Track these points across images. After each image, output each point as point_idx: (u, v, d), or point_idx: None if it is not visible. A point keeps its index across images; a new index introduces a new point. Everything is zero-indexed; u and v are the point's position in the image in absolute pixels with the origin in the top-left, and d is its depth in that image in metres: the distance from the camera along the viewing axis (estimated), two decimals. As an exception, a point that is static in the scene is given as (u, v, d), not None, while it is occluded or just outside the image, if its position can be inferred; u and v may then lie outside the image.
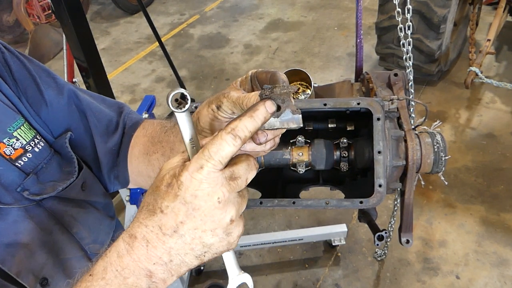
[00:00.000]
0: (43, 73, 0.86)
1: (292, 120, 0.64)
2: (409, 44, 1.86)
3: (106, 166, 0.94)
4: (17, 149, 0.77)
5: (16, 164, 0.77)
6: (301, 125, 0.63)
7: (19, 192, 0.77)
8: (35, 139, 0.81)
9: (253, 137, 0.65)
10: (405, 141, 1.50)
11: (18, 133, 0.78)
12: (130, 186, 0.99)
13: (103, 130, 0.92)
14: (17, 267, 0.75)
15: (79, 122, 0.90)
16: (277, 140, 0.71)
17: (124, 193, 2.31)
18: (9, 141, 0.76)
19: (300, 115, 0.64)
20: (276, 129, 0.65)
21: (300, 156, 1.52)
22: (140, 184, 0.97)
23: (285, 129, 0.67)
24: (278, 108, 0.63)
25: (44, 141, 0.83)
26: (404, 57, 1.89)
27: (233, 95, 0.70)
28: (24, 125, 0.79)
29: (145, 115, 1.60)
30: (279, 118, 0.64)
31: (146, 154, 0.89)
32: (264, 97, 0.63)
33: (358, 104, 1.43)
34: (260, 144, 0.66)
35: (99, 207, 0.96)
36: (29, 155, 0.79)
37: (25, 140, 0.79)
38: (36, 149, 0.80)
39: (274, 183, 1.73)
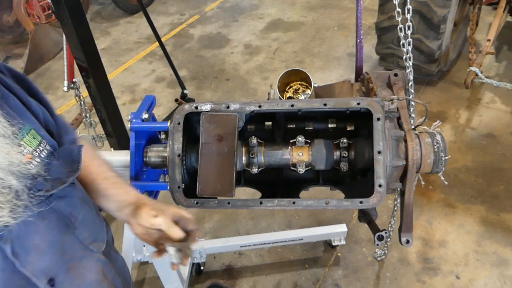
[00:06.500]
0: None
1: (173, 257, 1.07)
2: (409, 44, 1.86)
3: None
4: (25, 155, 0.79)
5: (28, 167, 0.80)
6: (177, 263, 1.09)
7: (32, 193, 0.79)
8: (39, 147, 0.83)
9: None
10: (405, 141, 1.50)
11: (24, 141, 0.80)
12: None
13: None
14: (31, 267, 0.80)
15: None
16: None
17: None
18: (18, 148, 0.79)
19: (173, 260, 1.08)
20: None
21: (300, 156, 1.52)
22: None
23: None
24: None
25: (48, 147, 0.86)
26: (404, 57, 1.89)
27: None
28: (29, 134, 0.82)
29: (145, 115, 1.60)
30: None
31: None
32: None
33: (358, 104, 1.43)
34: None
35: (92, 205, 1.03)
36: (38, 160, 0.82)
37: (31, 147, 0.81)
38: (42, 155, 0.83)
39: (274, 183, 1.73)
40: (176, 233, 1.05)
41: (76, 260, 0.92)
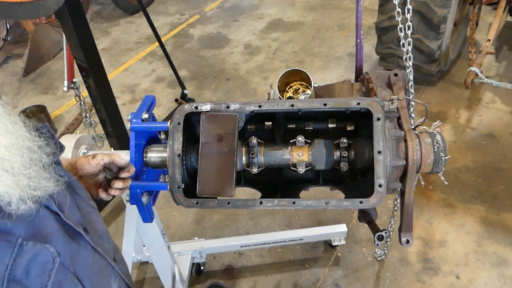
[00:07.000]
0: None
1: None
2: (409, 44, 1.86)
3: None
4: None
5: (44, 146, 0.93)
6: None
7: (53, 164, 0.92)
8: None
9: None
10: (405, 141, 1.50)
11: None
12: None
13: None
14: (71, 219, 0.92)
15: None
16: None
17: (124, 193, 2.30)
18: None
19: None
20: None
21: (300, 156, 1.52)
22: None
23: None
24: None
25: None
26: (404, 57, 1.89)
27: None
28: None
29: (145, 115, 1.60)
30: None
31: None
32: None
33: (358, 104, 1.43)
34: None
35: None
36: None
37: None
38: None
39: (274, 183, 1.73)
40: (118, 156, 1.27)
41: (88, 214, 1.04)
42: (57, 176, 0.87)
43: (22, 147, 0.79)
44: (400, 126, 1.52)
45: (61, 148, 1.01)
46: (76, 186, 1.06)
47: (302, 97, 1.97)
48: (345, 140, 1.51)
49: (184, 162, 1.49)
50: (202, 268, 2.89)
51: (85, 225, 0.98)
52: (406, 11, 1.89)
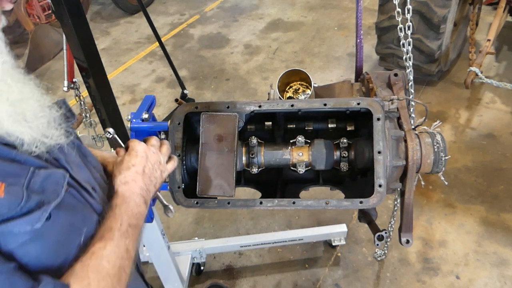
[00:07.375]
0: None
1: None
2: (409, 44, 1.86)
3: None
4: None
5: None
6: None
7: (64, 122, 0.95)
8: None
9: None
10: (405, 141, 1.50)
11: None
12: None
13: None
14: (78, 176, 0.95)
15: None
16: None
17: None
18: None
19: None
20: None
21: (300, 156, 1.52)
22: None
23: None
24: None
25: None
26: (404, 57, 1.88)
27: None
28: None
29: (145, 115, 1.60)
30: None
31: None
32: None
33: (358, 104, 1.43)
34: None
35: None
36: None
37: None
38: None
39: (274, 183, 1.73)
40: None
41: (98, 180, 1.07)
42: (66, 131, 0.92)
43: (33, 99, 0.85)
44: (400, 126, 1.52)
45: (73, 115, 1.04)
46: (87, 154, 1.10)
47: (302, 97, 1.97)
48: (345, 140, 1.51)
49: (184, 162, 1.49)
50: (202, 268, 2.89)
51: (94, 186, 1.01)
52: (406, 11, 1.88)
